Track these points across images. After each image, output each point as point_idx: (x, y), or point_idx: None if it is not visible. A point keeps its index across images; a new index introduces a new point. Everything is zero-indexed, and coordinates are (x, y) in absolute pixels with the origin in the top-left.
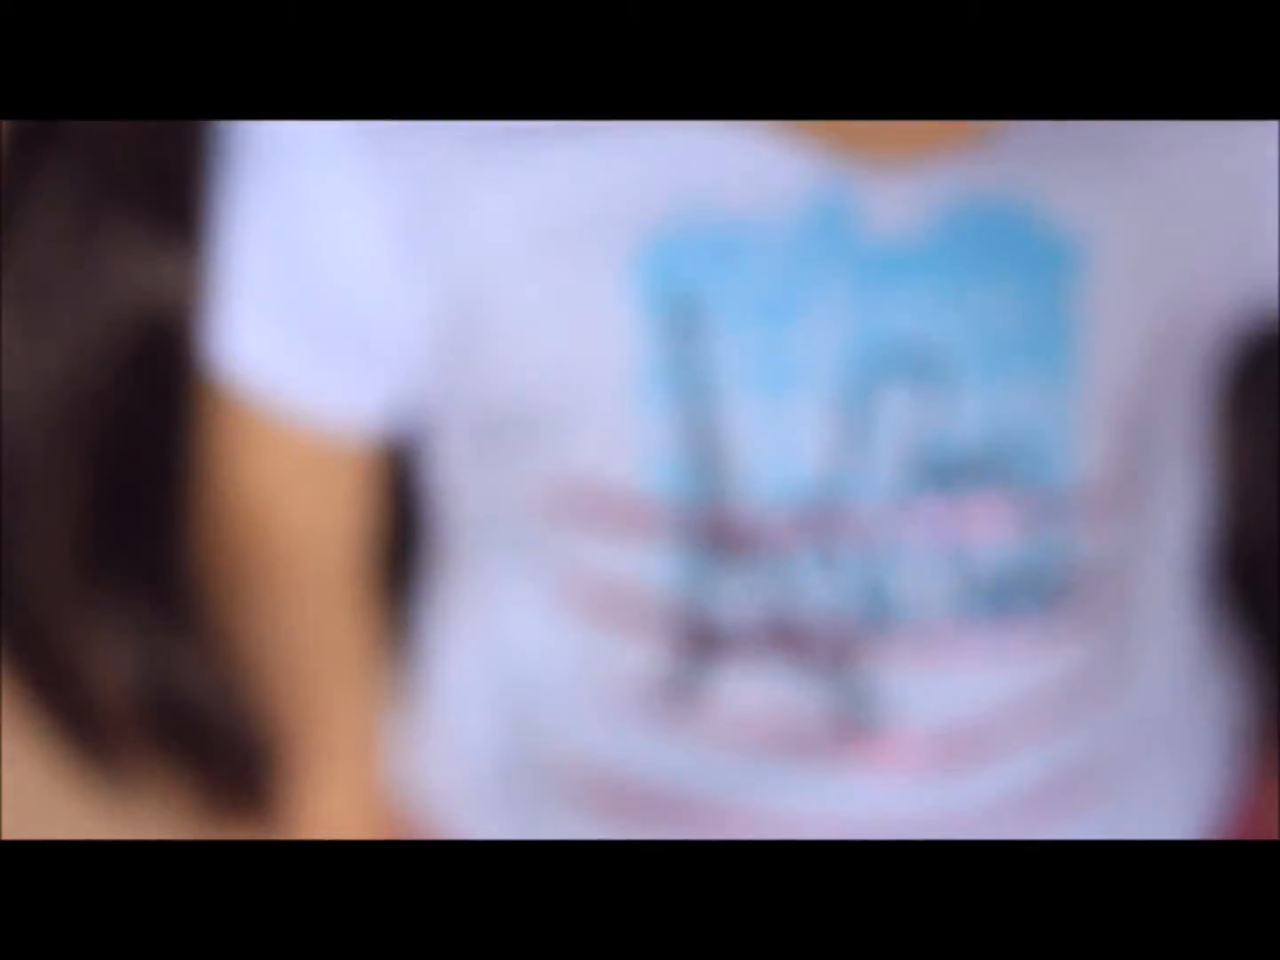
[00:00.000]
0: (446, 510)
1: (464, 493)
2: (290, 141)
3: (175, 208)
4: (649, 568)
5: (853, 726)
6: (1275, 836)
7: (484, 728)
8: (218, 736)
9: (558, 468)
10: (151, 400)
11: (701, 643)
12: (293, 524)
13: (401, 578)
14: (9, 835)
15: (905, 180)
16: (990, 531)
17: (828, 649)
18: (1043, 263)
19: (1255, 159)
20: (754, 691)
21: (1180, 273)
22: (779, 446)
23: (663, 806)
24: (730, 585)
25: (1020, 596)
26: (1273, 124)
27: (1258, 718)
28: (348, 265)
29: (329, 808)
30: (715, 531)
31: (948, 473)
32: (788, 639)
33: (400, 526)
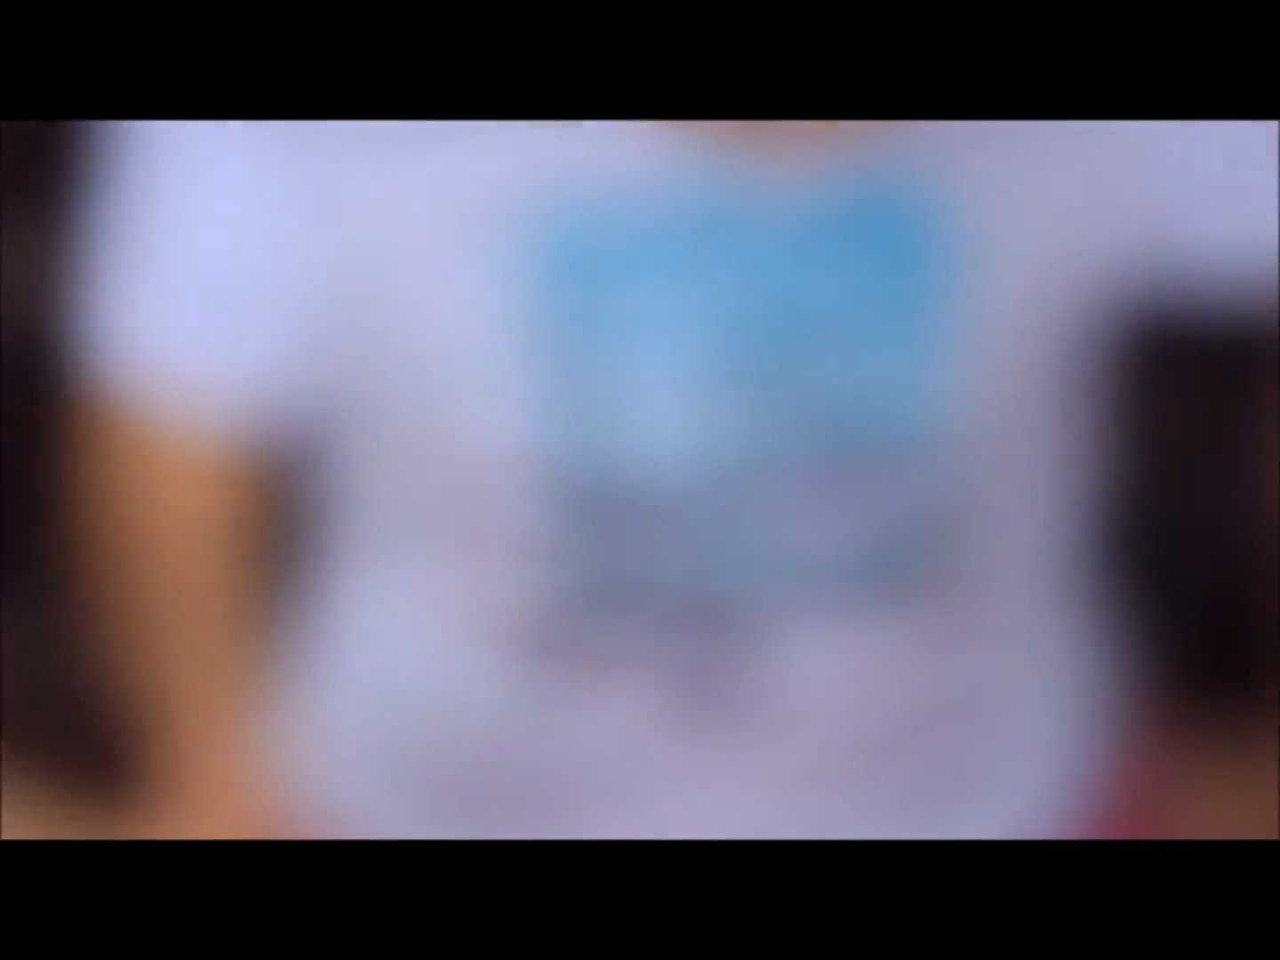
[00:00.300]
0: (321, 504)
1: (341, 485)
2: (172, 140)
3: (47, 207)
4: (525, 543)
5: (714, 708)
6: (1149, 823)
7: (357, 721)
8: (89, 732)
9: (438, 451)
10: (18, 400)
11: (574, 634)
12: (164, 521)
13: (277, 572)
14: None
15: (786, 162)
16: (862, 498)
17: (695, 625)
18: (921, 240)
19: (1135, 139)
20: (617, 690)
21: (1055, 254)
22: (662, 420)
23: (532, 800)
24: (611, 565)
25: (887, 565)
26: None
27: (1126, 697)
28: (232, 260)
29: (203, 801)
30: (596, 505)
31: (821, 443)
32: (658, 623)
33: (276, 521)
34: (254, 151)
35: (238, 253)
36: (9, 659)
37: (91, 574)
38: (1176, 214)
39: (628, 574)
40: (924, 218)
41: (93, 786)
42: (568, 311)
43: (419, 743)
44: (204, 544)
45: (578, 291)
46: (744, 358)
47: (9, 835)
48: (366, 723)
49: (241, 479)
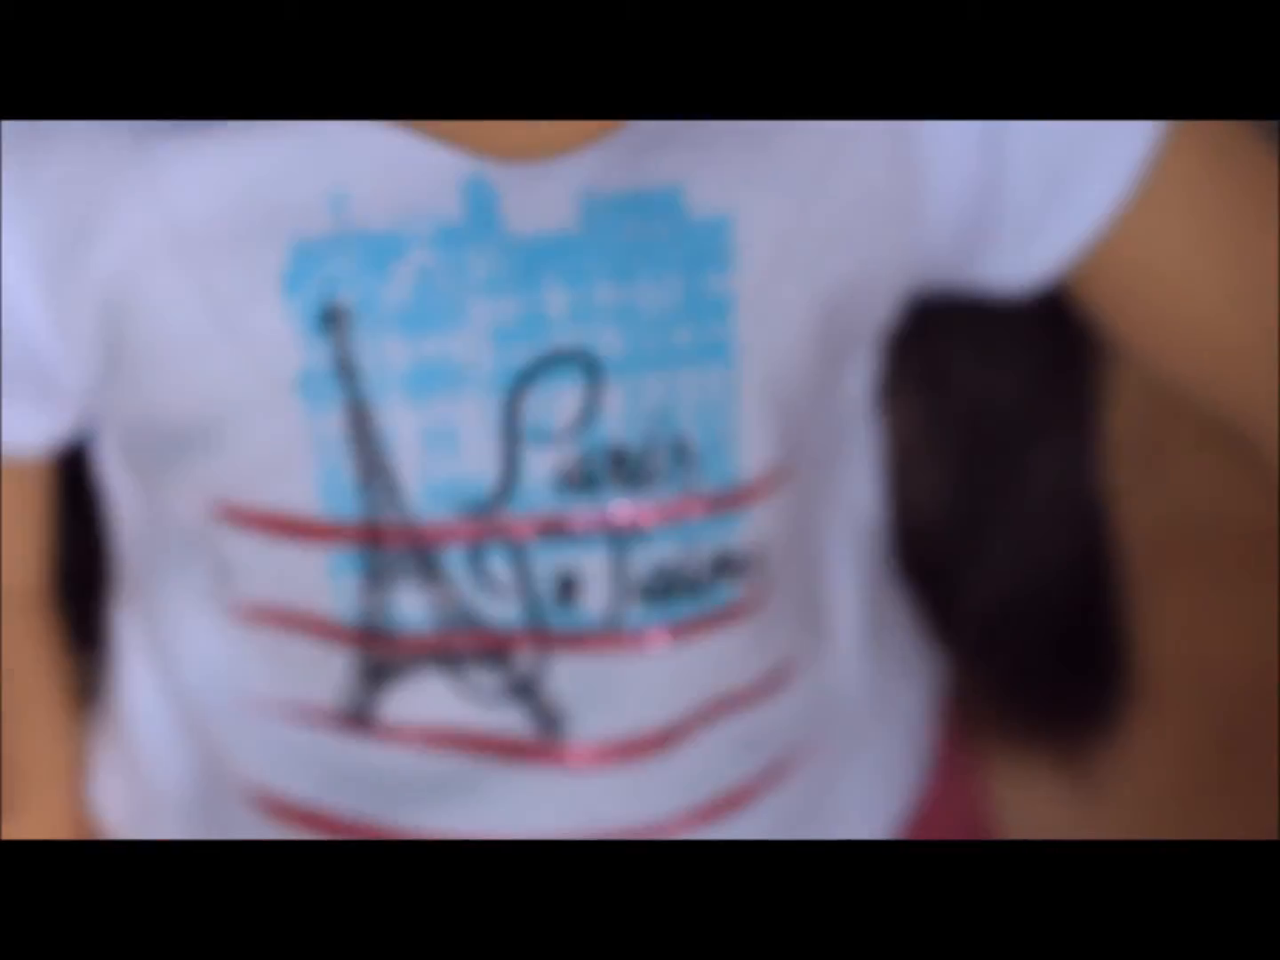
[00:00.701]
0: (118, 529)
1: (131, 511)
2: None
3: None
4: (317, 581)
5: (532, 734)
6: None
7: (167, 750)
8: None
9: (220, 482)
10: None
11: (375, 657)
12: None
13: (86, 599)
14: None
15: (549, 175)
16: (654, 527)
17: (502, 656)
18: (692, 250)
19: (906, 138)
20: (430, 705)
21: (832, 252)
22: (440, 453)
23: (346, 828)
24: (399, 595)
25: (691, 590)
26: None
27: (943, 698)
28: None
29: (23, 833)
30: (381, 541)
31: (609, 471)
32: (460, 649)
33: (80, 547)
34: (14, 166)
35: (10, 277)
36: None
37: None
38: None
39: None
40: (698, 225)
41: None
42: (339, 349)
43: (225, 771)
44: (18, 575)
45: (347, 324)
46: (524, 391)
47: None
48: (173, 749)
49: (48, 509)
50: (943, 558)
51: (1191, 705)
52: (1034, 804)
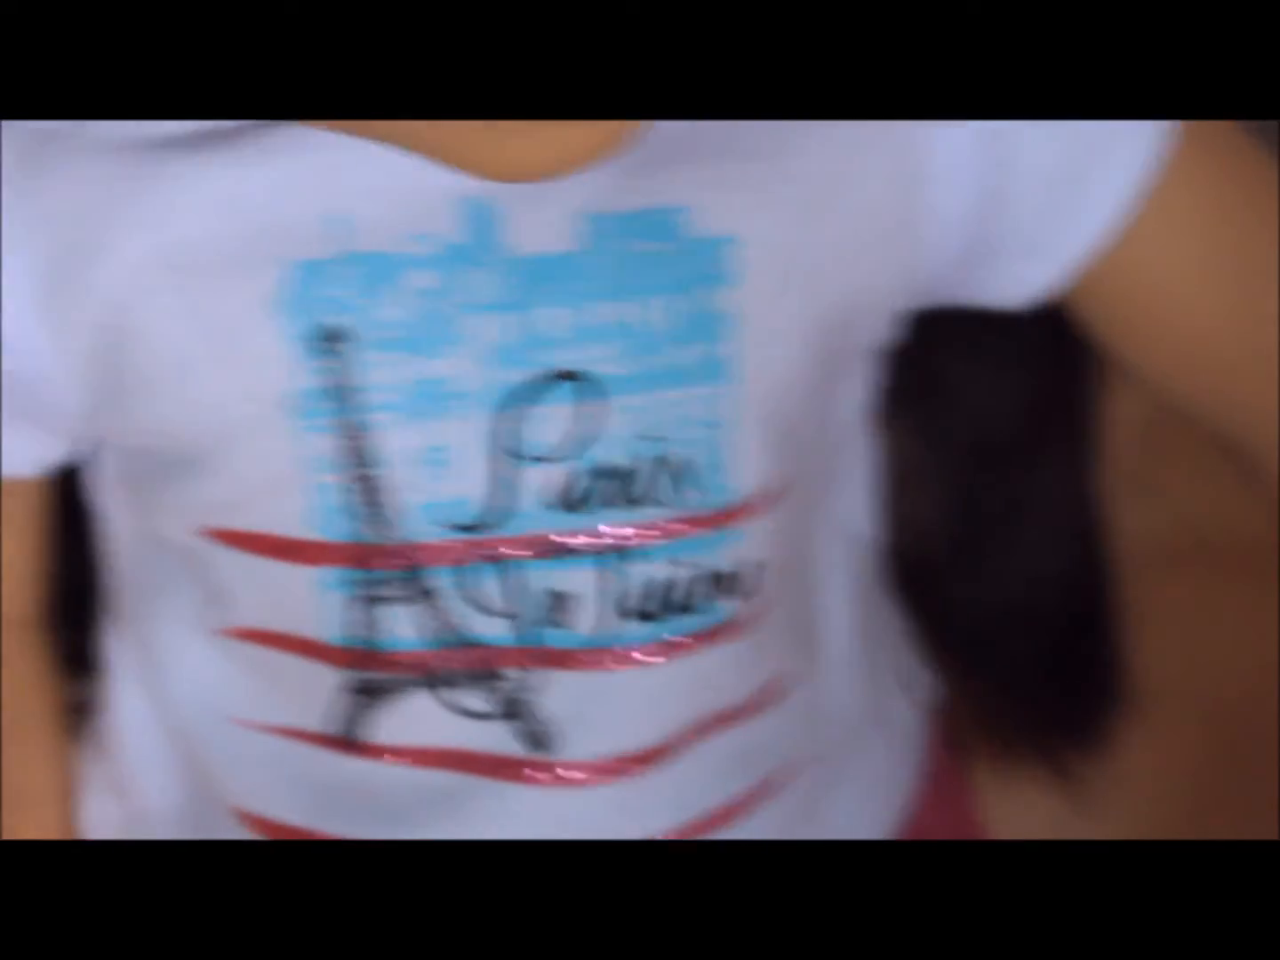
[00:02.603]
0: (110, 550)
1: (123, 532)
2: None
3: None
4: (307, 602)
5: (523, 752)
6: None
7: (157, 771)
8: None
9: (212, 503)
10: None
11: (364, 677)
12: None
13: (79, 620)
14: None
15: (549, 196)
16: (647, 545)
17: (493, 675)
18: (693, 268)
19: (908, 158)
20: (421, 724)
21: (834, 271)
22: (432, 473)
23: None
24: (389, 615)
25: (683, 608)
26: (925, 123)
27: (935, 712)
28: None
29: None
30: (372, 561)
31: (602, 491)
32: (451, 668)
33: (74, 569)
34: (13, 195)
35: (8, 303)
36: None
37: None
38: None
39: None
40: (700, 244)
41: None
42: (335, 372)
43: (216, 793)
44: (13, 595)
45: (344, 346)
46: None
47: None
48: (164, 771)
49: (42, 530)
50: (939, 571)
51: (1190, 716)
52: (1025, 818)
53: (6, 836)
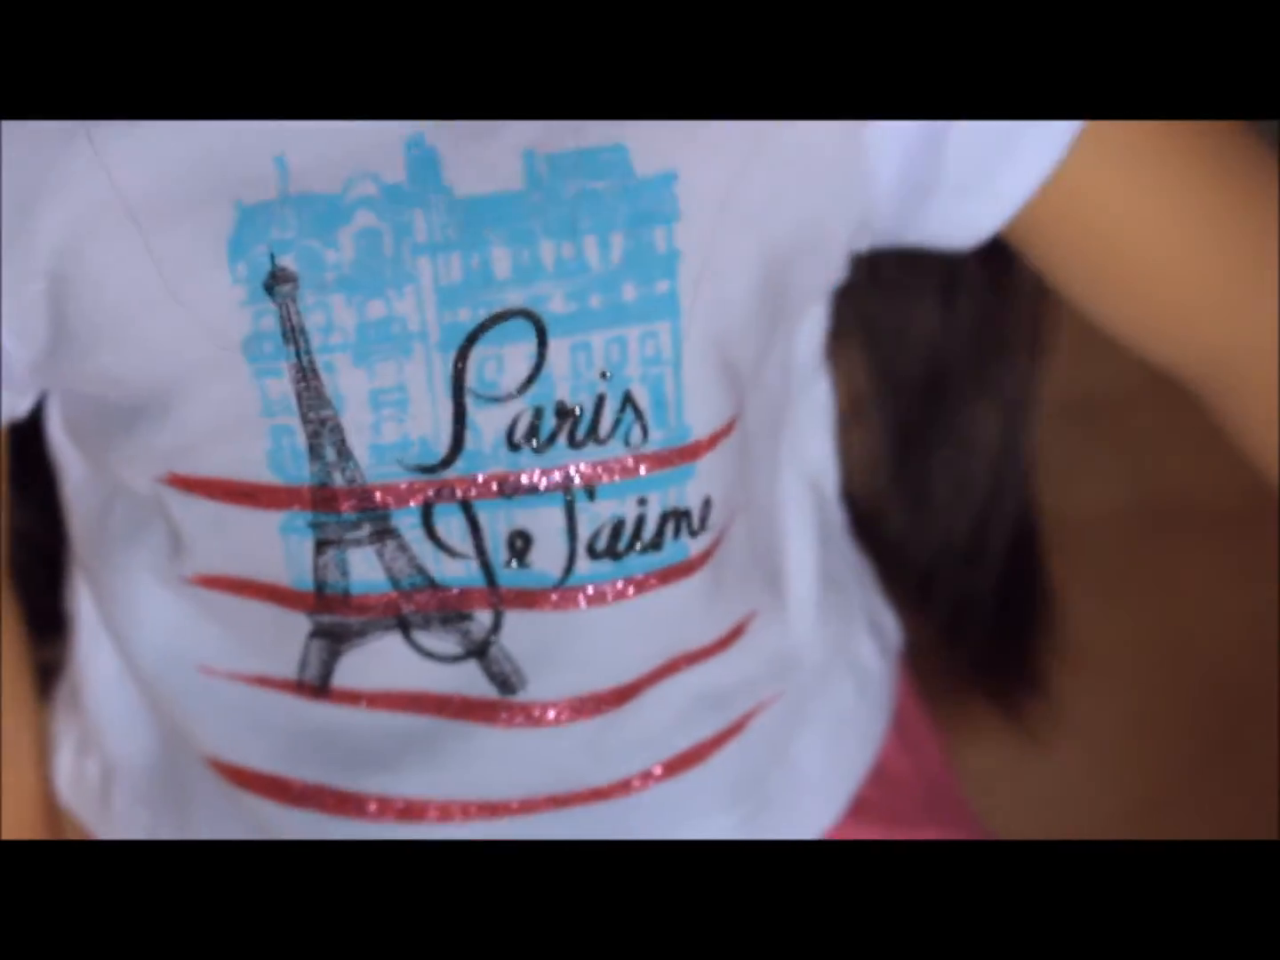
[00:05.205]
0: (70, 501)
1: (82, 482)
2: None
3: None
4: (270, 547)
5: (491, 692)
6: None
7: (127, 721)
8: None
9: (170, 449)
10: None
11: (331, 621)
12: None
13: (50, 580)
14: None
15: (492, 135)
16: (604, 484)
17: (459, 616)
18: (637, 206)
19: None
20: (388, 667)
21: (776, 208)
22: (388, 414)
23: (308, 793)
24: (353, 558)
25: (643, 546)
26: None
27: (902, 653)
28: None
29: None
30: (333, 504)
31: (558, 430)
32: (416, 610)
33: (42, 527)
34: None
35: None
36: None
37: None
38: None
39: None
40: (641, 182)
41: None
42: (286, 313)
43: (187, 741)
44: None
45: (295, 287)
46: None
47: None
48: (134, 720)
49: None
50: (884, 508)
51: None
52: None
53: None
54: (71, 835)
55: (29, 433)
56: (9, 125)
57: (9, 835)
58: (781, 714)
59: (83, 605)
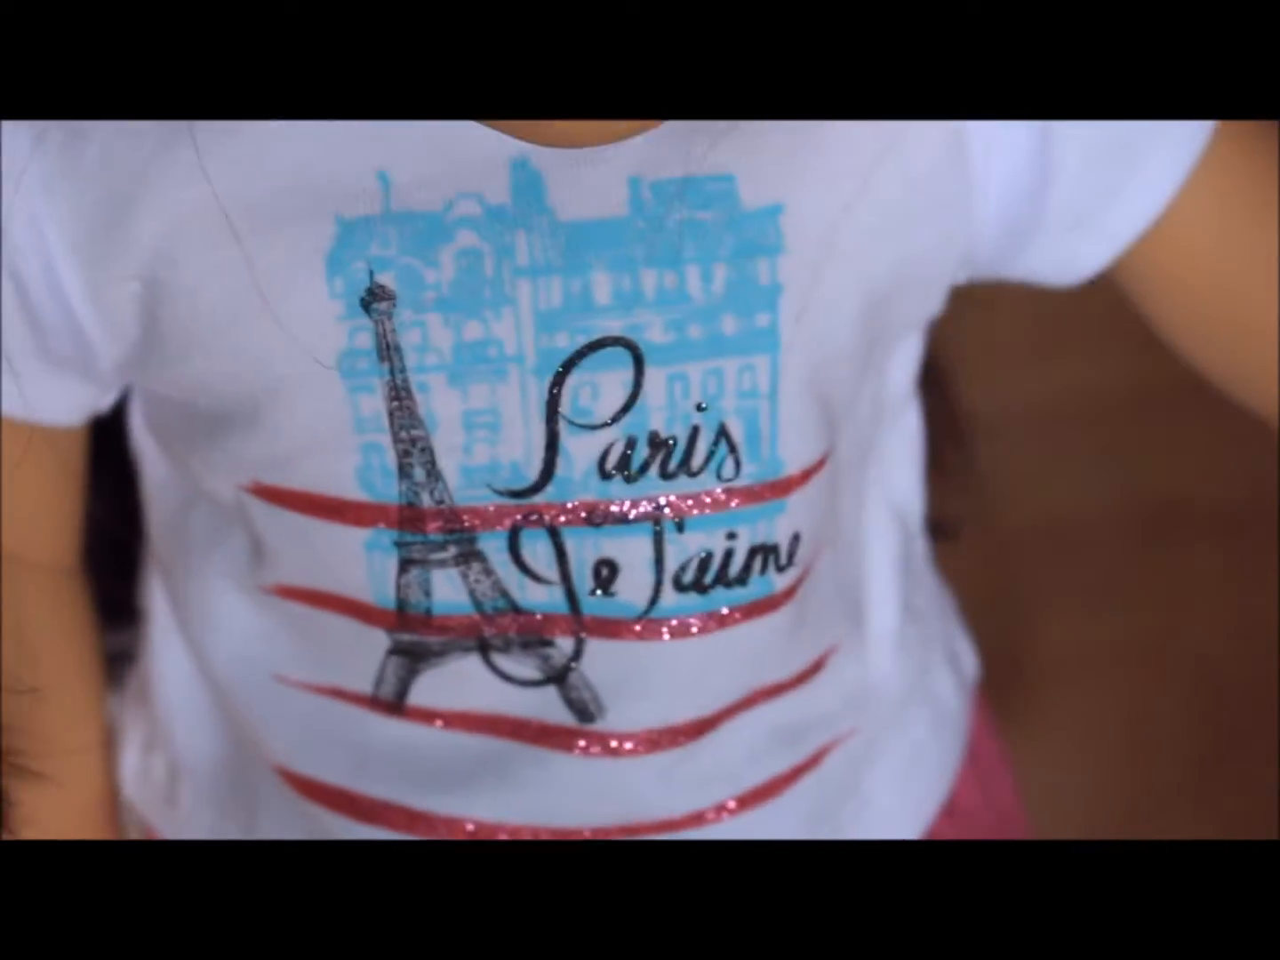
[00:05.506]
0: (152, 502)
1: (165, 485)
2: None
3: None
4: (354, 563)
5: (568, 720)
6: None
7: (198, 725)
8: None
9: (258, 460)
10: None
11: (411, 640)
12: (7, 515)
13: (123, 569)
14: None
15: (598, 160)
16: (694, 516)
17: (540, 642)
18: (742, 237)
19: (957, 128)
20: (466, 689)
21: (881, 244)
22: (480, 436)
23: (376, 810)
24: (437, 579)
25: (729, 580)
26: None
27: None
28: (40, 271)
29: (58, 807)
30: (420, 524)
31: (650, 460)
32: (497, 633)
33: (118, 516)
34: (59, 150)
35: (54, 257)
36: None
37: None
38: None
39: None
40: (746, 215)
41: None
42: (382, 331)
43: (257, 748)
44: (53, 543)
45: (392, 306)
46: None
47: None
48: (205, 725)
49: (83, 478)
50: None
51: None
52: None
53: (40, 788)
54: (133, 830)
55: (107, 420)
56: (109, 126)
57: (74, 823)
58: (857, 748)
59: (156, 602)
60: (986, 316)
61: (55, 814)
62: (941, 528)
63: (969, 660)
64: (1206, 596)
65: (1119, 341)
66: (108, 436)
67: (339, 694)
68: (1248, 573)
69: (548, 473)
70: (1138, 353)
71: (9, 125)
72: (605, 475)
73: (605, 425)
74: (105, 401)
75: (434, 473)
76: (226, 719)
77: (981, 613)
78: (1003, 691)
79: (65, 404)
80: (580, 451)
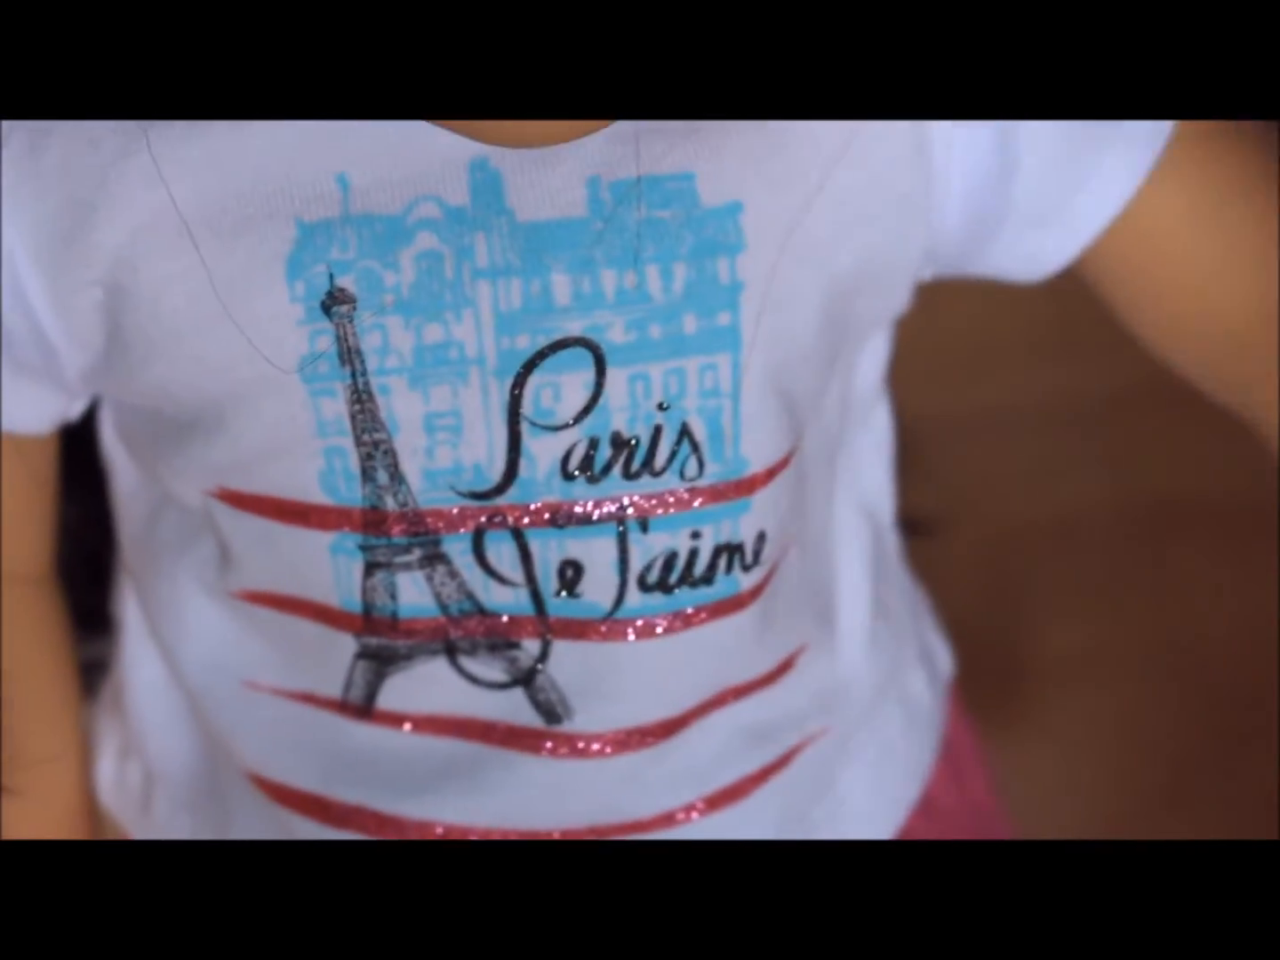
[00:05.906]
0: (121, 509)
1: (133, 491)
2: None
3: None
4: (319, 567)
5: (535, 721)
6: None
7: (171, 731)
8: None
9: (221, 465)
10: None
11: (378, 643)
12: None
13: (95, 578)
14: None
15: (556, 160)
16: (657, 516)
17: (506, 644)
18: (702, 236)
19: (917, 125)
20: (433, 692)
21: (841, 241)
22: (442, 439)
23: (347, 814)
24: (402, 582)
25: (694, 579)
26: None
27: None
28: (3, 279)
29: (27, 815)
30: (384, 527)
31: (613, 460)
32: (464, 636)
33: (89, 525)
34: (23, 154)
35: (16, 263)
36: None
37: None
38: None
39: None
40: (704, 213)
41: None
42: (342, 334)
43: (227, 753)
44: (27, 549)
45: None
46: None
47: None
48: (177, 728)
49: (54, 485)
50: None
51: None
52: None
53: (14, 798)
54: (111, 836)
55: (78, 428)
56: (69, 132)
57: (51, 833)
58: (828, 748)
59: (129, 610)
60: (984, 316)
61: (30, 822)
62: (918, 526)
63: (943, 658)
64: (1204, 596)
65: (1116, 341)
66: (80, 444)
67: (309, 699)
68: (1245, 572)
69: (510, 474)
70: (1135, 352)
71: None
72: (568, 476)
73: (567, 426)
74: (74, 409)
75: (397, 475)
76: (199, 726)
77: (978, 612)
78: (999, 691)
79: (33, 413)
80: (543, 453)
